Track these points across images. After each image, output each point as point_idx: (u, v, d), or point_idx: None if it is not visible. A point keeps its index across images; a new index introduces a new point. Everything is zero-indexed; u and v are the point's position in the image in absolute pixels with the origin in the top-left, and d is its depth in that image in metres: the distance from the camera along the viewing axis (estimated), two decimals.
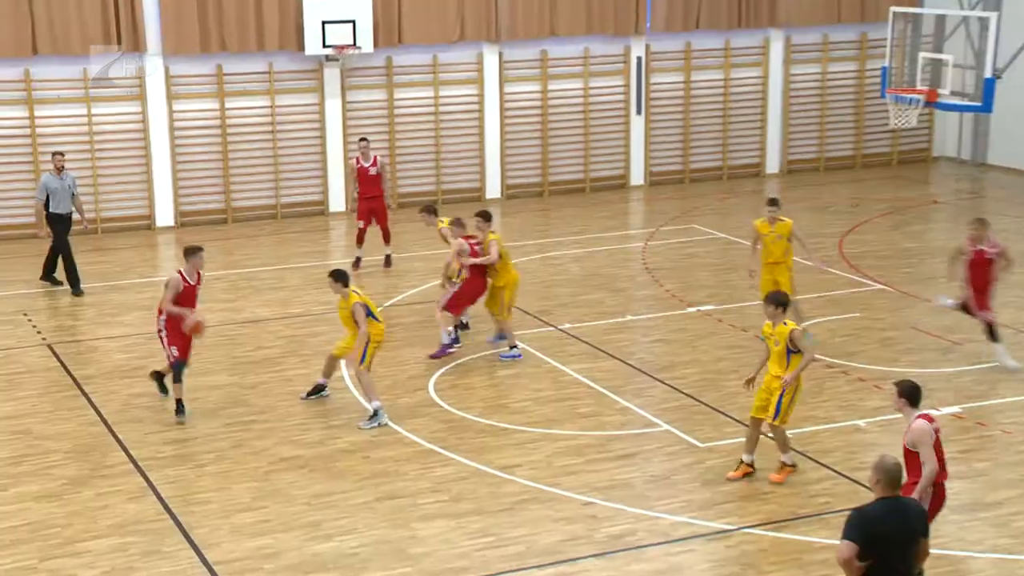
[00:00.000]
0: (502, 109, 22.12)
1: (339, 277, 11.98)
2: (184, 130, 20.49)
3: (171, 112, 20.30)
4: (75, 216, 16.59)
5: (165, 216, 20.58)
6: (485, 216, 14.05)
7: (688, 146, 23.49)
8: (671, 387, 12.96)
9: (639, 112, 22.96)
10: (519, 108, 22.31)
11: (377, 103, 21.45)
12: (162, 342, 12.28)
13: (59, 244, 16.26)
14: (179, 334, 12.11)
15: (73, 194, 16.17)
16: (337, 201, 21.36)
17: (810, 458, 11.15)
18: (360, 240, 17.52)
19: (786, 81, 23.76)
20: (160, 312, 12.18)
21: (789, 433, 11.41)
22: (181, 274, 12.16)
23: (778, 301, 10.68)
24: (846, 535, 6.85)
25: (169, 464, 11.28)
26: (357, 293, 12.03)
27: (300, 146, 21.16)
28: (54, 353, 14.44)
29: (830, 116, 24.29)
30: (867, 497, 8.08)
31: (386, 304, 16.02)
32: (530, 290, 16.41)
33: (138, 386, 13.26)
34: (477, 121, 22.05)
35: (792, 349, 10.56)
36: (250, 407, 12.67)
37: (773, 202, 14.02)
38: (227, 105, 20.57)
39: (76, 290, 16.46)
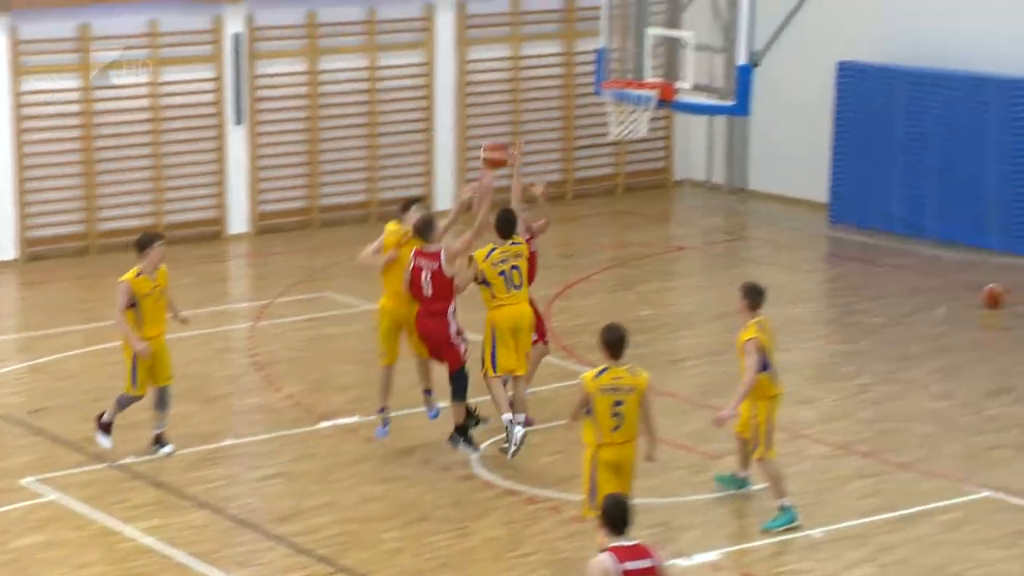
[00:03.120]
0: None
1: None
2: None
3: None
4: None
5: None
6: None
7: (316, 174, 23.66)
8: (296, 547, 12.90)
9: (239, 121, 22.94)
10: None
11: None
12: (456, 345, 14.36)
13: None
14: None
15: None
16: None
17: None
18: None
19: (461, 69, 24.37)
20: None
21: None
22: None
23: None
24: None
25: None
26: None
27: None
28: None
29: (524, 121, 25.04)
30: None
31: None
32: (71, 405, 15.97)
33: None
34: None
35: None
36: None
37: None
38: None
39: None
